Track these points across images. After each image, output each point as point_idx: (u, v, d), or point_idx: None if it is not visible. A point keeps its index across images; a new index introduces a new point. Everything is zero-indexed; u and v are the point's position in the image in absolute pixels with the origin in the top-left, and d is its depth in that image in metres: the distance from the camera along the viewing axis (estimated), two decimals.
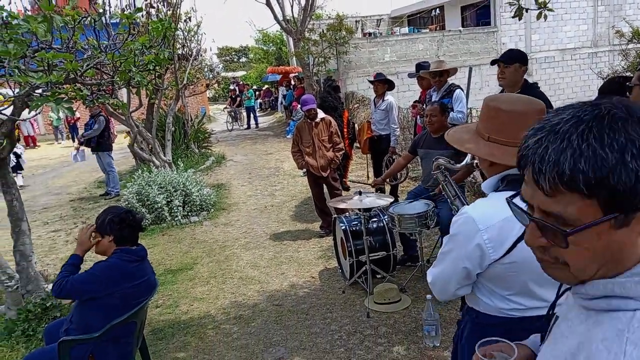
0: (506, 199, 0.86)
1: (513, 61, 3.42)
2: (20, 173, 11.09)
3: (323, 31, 14.91)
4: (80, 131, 13.34)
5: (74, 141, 18.34)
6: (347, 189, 7.36)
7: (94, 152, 9.14)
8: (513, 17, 4.12)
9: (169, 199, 6.96)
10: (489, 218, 1.39)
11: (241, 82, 25.08)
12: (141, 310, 2.79)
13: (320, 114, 5.70)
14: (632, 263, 0.73)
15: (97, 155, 9.10)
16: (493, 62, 3.58)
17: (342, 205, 4.26)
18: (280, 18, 15.52)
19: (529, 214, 0.78)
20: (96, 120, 8.79)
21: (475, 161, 1.82)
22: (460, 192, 1.96)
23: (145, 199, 6.89)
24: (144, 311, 2.92)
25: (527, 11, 4.05)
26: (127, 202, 6.89)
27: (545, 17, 4.06)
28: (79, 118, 18.53)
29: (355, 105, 13.24)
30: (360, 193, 4.23)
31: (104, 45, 4.14)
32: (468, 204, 1.97)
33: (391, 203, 4.18)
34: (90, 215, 7.67)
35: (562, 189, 0.70)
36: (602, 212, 0.69)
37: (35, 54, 3.33)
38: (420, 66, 5.86)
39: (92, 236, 2.79)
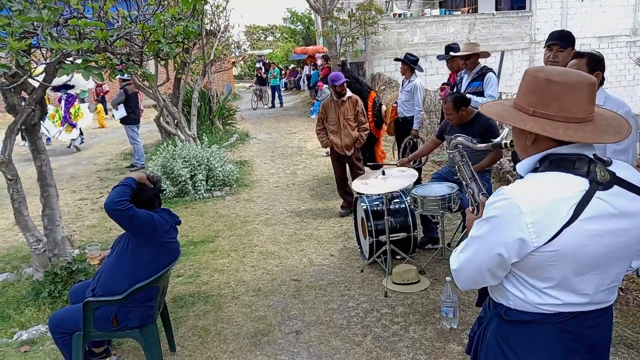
0: None
1: (568, 44, 3.20)
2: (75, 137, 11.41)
3: (352, 10, 14.70)
4: (109, 104, 13.60)
5: (106, 113, 18.70)
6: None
7: (122, 124, 9.33)
8: None
9: (192, 173, 7.05)
10: (533, 200, 1.26)
11: (267, 61, 24.98)
12: (164, 276, 2.86)
13: (348, 93, 5.65)
14: None
15: (125, 127, 9.29)
16: (547, 44, 3.29)
17: (364, 190, 4.17)
18: None
19: None
20: (117, 93, 8.98)
21: (505, 141, 1.66)
22: (485, 179, 1.88)
23: (170, 172, 6.99)
24: (167, 277, 2.98)
25: None
26: (152, 174, 7.00)
27: None
28: (107, 91, 18.82)
29: (382, 87, 13.09)
30: (383, 173, 4.20)
31: (134, 16, 4.16)
32: (486, 190, 1.87)
33: (415, 184, 4.14)
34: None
35: None
36: None
37: (68, 22, 3.37)
38: (450, 48, 5.73)
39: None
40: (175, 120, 8.63)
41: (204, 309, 3.82)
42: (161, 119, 8.74)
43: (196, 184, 7.01)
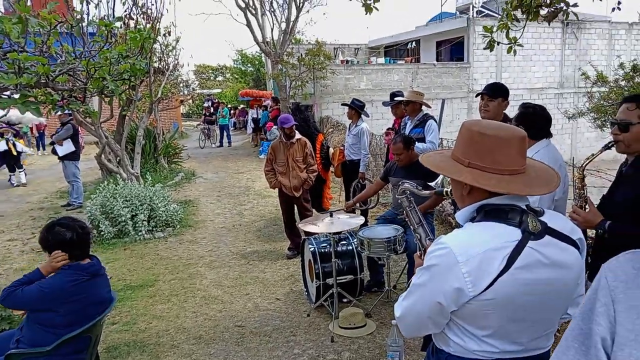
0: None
1: (497, 95, 3.40)
2: (22, 170, 11.21)
3: (302, 55, 15.10)
4: (48, 140, 13.11)
5: (38, 149, 17.88)
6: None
7: (60, 161, 8.91)
8: (485, 49, 4.25)
9: (134, 213, 6.79)
10: (469, 249, 1.28)
11: (216, 100, 24.94)
12: (96, 325, 2.68)
13: (297, 135, 5.71)
14: None
15: (63, 163, 8.87)
16: (478, 94, 3.56)
17: (311, 229, 4.21)
18: (260, 40, 15.66)
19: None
20: (64, 128, 8.62)
21: (446, 189, 1.74)
22: (427, 222, 1.95)
23: (109, 211, 6.70)
24: (100, 326, 2.80)
25: (498, 44, 4.19)
26: (90, 214, 6.69)
27: (515, 52, 4.22)
28: (46, 126, 18.07)
29: (330, 130, 13.36)
30: (331, 214, 4.22)
31: (79, 52, 4.07)
32: (430, 233, 1.93)
33: (361, 227, 4.18)
34: None
35: None
36: None
37: (7, 55, 3.24)
38: (395, 95, 5.98)
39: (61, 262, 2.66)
40: (118, 158, 8.36)
41: (140, 359, 3.60)
42: (103, 156, 8.44)
43: (137, 225, 6.74)
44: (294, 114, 7.31)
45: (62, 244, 2.62)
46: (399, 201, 1.93)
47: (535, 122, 2.81)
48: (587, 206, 2.33)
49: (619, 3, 4.59)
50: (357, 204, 4.92)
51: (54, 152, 8.94)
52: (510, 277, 1.28)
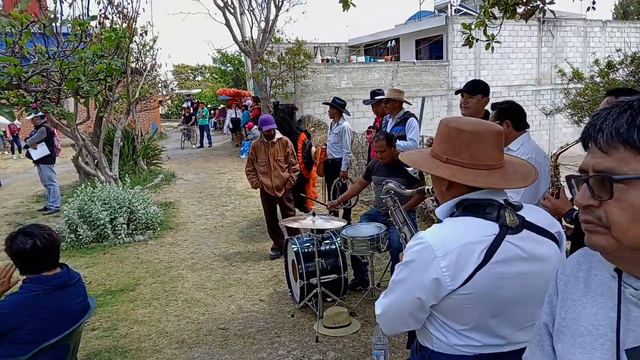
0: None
1: (476, 92, 3.45)
2: None
3: (282, 54, 15.03)
4: (23, 143, 12.78)
5: (13, 153, 17.47)
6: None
7: (35, 164, 8.69)
8: (464, 45, 4.28)
9: (112, 216, 6.66)
10: (447, 244, 1.30)
11: (196, 100, 24.68)
12: (74, 333, 2.60)
13: (277, 135, 5.67)
14: None
15: (39, 167, 8.65)
16: (457, 92, 3.61)
17: (294, 225, 4.21)
18: (240, 39, 15.54)
19: (582, 176, 0.84)
20: (38, 131, 8.40)
21: (427, 187, 1.77)
22: (410, 219, 1.95)
23: (88, 215, 6.56)
24: (78, 333, 2.72)
25: (477, 41, 4.22)
26: (67, 218, 6.54)
27: (493, 48, 4.25)
28: (19, 128, 17.67)
29: (312, 129, 13.33)
30: (314, 214, 4.20)
31: (52, 52, 3.97)
32: (414, 231, 1.94)
33: (344, 226, 4.17)
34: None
35: (618, 144, 0.78)
36: None
37: None
38: (375, 93, 5.98)
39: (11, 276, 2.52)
40: (95, 161, 8.20)
41: None
42: (80, 159, 8.27)
43: (116, 228, 6.61)
44: (274, 113, 7.27)
45: (19, 255, 2.43)
46: (384, 201, 1.93)
47: (519, 113, 2.93)
48: (560, 194, 2.36)
49: (594, 3, 4.67)
50: (341, 203, 4.91)
51: (29, 155, 8.72)
52: (488, 271, 1.29)
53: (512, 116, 2.89)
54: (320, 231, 4.23)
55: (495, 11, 4.36)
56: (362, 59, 19.91)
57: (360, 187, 4.75)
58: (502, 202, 1.37)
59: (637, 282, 0.83)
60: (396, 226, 1.87)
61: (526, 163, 1.52)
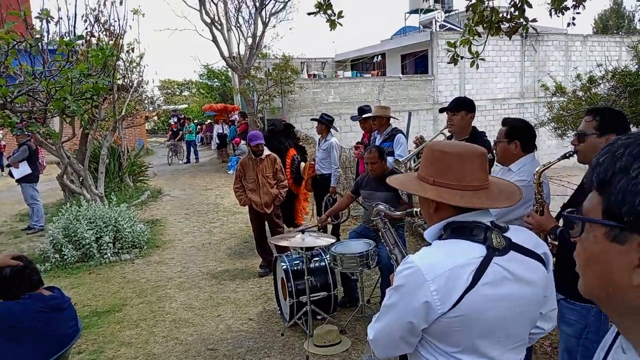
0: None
1: (460, 109, 3.48)
2: None
3: (269, 70, 15.10)
4: (6, 161, 12.57)
5: None
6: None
7: (17, 183, 8.55)
8: (449, 63, 4.35)
9: (98, 235, 6.57)
10: (436, 267, 1.31)
11: (182, 116, 24.61)
12: (62, 357, 2.54)
13: (266, 151, 5.67)
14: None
15: (21, 186, 8.51)
16: (441, 110, 3.64)
17: (284, 243, 4.18)
18: (227, 55, 15.59)
19: (575, 214, 0.82)
20: (20, 149, 8.28)
21: (416, 210, 1.80)
22: (398, 235, 1.97)
23: (73, 234, 6.47)
24: (65, 357, 2.66)
25: (461, 58, 4.29)
26: (52, 238, 6.44)
27: (477, 66, 4.32)
28: (5, 146, 17.45)
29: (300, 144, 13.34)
30: (303, 232, 4.18)
31: (39, 72, 3.94)
32: (406, 254, 1.95)
33: (333, 243, 4.16)
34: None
35: (593, 187, 0.76)
36: (601, 215, 0.73)
37: None
38: (362, 110, 6.03)
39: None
40: (81, 178, 8.11)
41: None
42: (65, 177, 8.18)
43: (102, 247, 6.52)
44: (271, 135, 7.21)
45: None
46: (374, 222, 1.95)
47: (530, 135, 2.79)
48: (544, 211, 2.38)
49: (574, 19, 4.79)
50: (329, 219, 4.91)
51: (11, 174, 8.58)
52: (476, 293, 1.30)
53: (523, 137, 2.75)
54: (310, 249, 4.21)
55: (480, 29, 4.44)
56: (348, 74, 20.09)
57: (348, 201, 4.77)
58: (488, 224, 1.40)
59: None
60: (387, 248, 1.89)
61: (511, 184, 1.55)
